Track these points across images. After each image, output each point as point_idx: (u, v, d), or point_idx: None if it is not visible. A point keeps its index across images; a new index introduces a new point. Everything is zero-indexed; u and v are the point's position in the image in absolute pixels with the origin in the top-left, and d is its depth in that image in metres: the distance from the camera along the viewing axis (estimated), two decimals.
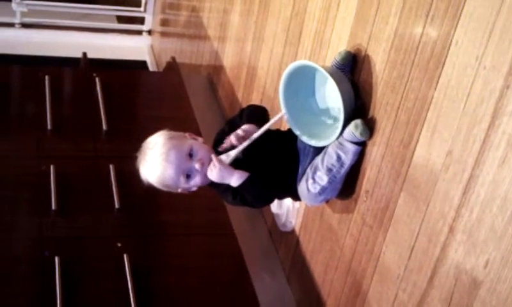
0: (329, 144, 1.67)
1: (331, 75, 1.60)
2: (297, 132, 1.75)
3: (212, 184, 1.73)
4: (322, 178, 1.67)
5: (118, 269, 1.96)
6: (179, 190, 1.74)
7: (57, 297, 1.83)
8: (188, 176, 1.70)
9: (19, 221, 2.11)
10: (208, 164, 1.69)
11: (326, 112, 1.78)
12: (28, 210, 2.16)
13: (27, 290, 1.90)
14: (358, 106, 1.65)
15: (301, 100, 1.78)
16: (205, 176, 1.71)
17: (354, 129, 1.60)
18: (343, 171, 1.66)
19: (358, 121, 1.61)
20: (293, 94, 1.76)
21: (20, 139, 2.44)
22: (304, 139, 1.72)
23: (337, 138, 1.64)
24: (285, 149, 1.78)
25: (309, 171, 1.70)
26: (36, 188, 2.21)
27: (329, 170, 1.65)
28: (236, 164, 1.71)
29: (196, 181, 1.71)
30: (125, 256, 1.98)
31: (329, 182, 1.67)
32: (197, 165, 1.69)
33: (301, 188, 1.72)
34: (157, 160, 1.68)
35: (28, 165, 2.31)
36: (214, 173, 1.68)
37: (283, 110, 1.75)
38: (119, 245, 2.05)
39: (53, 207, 2.12)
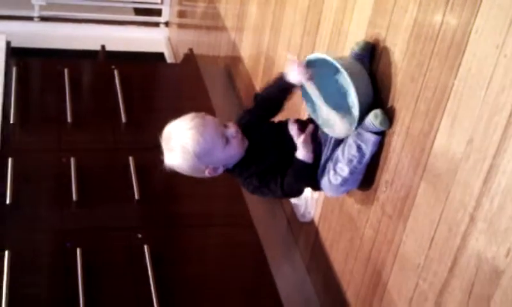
0: (349, 136, 1.66)
1: (346, 69, 1.59)
2: (318, 122, 1.75)
3: (235, 170, 1.72)
4: (344, 169, 1.66)
5: (139, 260, 1.97)
6: (207, 172, 1.67)
7: (79, 288, 1.85)
8: (227, 141, 1.65)
9: (41, 213, 2.13)
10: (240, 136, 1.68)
11: (346, 102, 1.78)
12: (49, 202, 2.18)
13: (50, 281, 1.93)
14: (377, 98, 1.65)
15: (322, 91, 1.78)
16: (240, 145, 1.68)
17: (374, 119, 1.60)
18: (364, 161, 1.66)
19: (377, 111, 1.60)
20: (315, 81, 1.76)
21: (41, 132, 2.46)
22: (326, 130, 1.72)
23: (356, 128, 1.64)
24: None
25: (330, 163, 1.70)
26: (57, 181, 2.23)
27: (350, 161, 1.65)
28: (257, 155, 1.72)
29: (233, 148, 1.66)
30: (145, 247, 1.99)
31: (351, 173, 1.66)
32: (233, 129, 1.66)
33: (323, 180, 1.72)
34: (192, 125, 1.62)
35: (49, 158, 2.33)
36: (308, 140, 1.69)
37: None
38: (139, 236, 2.07)
39: (74, 199, 2.13)
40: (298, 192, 1.80)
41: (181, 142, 1.63)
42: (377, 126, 1.60)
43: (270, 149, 1.74)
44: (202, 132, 1.62)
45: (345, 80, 1.61)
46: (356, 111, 1.61)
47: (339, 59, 1.65)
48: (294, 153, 1.72)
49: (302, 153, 1.69)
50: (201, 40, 3.65)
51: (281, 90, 1.77)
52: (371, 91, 1.65)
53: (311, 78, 1.69)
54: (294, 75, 1.70)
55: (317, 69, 1.71)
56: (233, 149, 1.68)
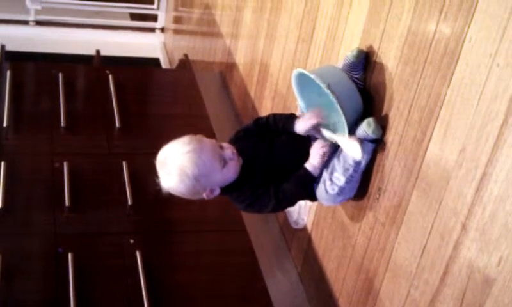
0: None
1: (329, 83, 1.59)
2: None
3: (227, 190, 1.72)
4: (340, 179, 1.66)
5: (131, 266, 1.97)
6: (204, 195, 1.67)
7: (70, 293, 1.84)
8: (224, 164, 1.65)
9: (33, 217, 2.12)
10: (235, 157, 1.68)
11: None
12: (42, 206, 2.17)
13: (41, 285, 1.92)
14: (370, 105, 1.65)
15: (313, 97, 1.79)
16: (237, 166, 1.68)
17: (367, 127, 1.60)
18: (359, 169, 1.66)
19: (370, 120, 1.61)
20: (308, 87, 1.77)
21: (34, 136, 2.46)
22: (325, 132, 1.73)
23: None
24: (300, 152, 1.77)
25: (325, 173, 1.70)
26: (50, 185, 2.22)
27: (346, 170, 1.65)
28: (250, 167, 1.71)
29: (231, 170, 1.67)
30: (137, 252, 1.99)
31: (347, 182, 1.66)
32: (230, 151, 1.67)
33: (319, 190, 1.71)
34: (190, 148, 1.61)
35: (41, 162, 2.32)
36: (326, 151, 1.70)
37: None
38: (131, 241, 2.06)
39: (66, 204, 2.13)
40: (291, 202, 1.78)
41: (179, 166, 1.61)
42: (370, 134, 1.61)
43: (262, 165, 1.73)
44: (200, 155, 1.61)
45: (328, 96, 1.61)
46: (344, 124, 1.61)
47: (321, 72, 1.66)
48: (284, 170, 1.73)
49: (314, 166, 1.70)
50: (196, 46, 3.66)
51: (285, 129, 1.79)
52: (360, 103, 1.65)
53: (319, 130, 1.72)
54: (303, 128, 1.72)
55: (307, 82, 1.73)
56: (231, 171, 1.68)
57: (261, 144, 1.78)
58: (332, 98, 1.58)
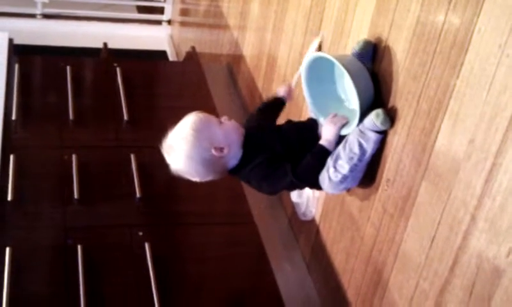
0: (350, 133, 1.67)
1: (346, 67, 1.60)
2: (320, 119, 1.77)
3: (236, 170, 1.73)
4: (344, 167, 1.66)
5: (140, 258, 1.98)
6: (213, 151, 1.67)
7: (79, 285, 1.85)
8: (221, 123, 1.72)
9: (42, 210, 2.13)
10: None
11: (348, 99, 1.79)
12: (51, 199, 2.18)
13: (51, 278, 1.93)
14: (379, 96, 1.65)
15: (324, 87, 1.79)
16: (236, 127, 1.74)
17: (375, 118, 1.60)
18: (364, 159, 1.65)
19: (379, 111, 1.60)
20: (316, 81, 1.78)
21: (43, 129, 2.46)
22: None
23: (357, 126, 1.65)
24: (306, 139, 1.77)
25: (330, 160, 1.70)
26: (59, 178, 2.23)
27: (351, 158, 1.65)
28: (256, 139, 1.75)
29: (229, 127, 1.72)
30: (146, 244, 2.00)
31: (351, 171, 1.66)
32: (224, 117, 1.75)
33: (322, 176, 1.71)
34: (185, 118, 1.71)
35: (50, 155, 2.33)
36: (338, 123, 1.72)
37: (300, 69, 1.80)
38: (140, 234, 2.07)
39: (75, 196, 2.14)
40: (308, 177, 1.73)
41: (179, 132, 1.70)
42: (378, 125, 1.60)
43: (276, 143, 1.76)
44: (194, 115, 1.71)
45: (347, 79, 1.62)
46: (357, 109, 1.61)
47: (340, 58, 1.66)
48: (294, 150, 1.75)
49: (329, 140, 1.72)
50: (203, 38, 3.65)
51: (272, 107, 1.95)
52: (371, 91, 1.65)
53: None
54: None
55: (320, 66, 1.73)
56: (230, 127, 1.73)
57: (264, 122, 1.87)
58: (351, 82, 1.58)
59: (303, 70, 1.77)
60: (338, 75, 1.79)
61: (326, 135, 1.73)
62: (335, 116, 1.75)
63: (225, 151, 1.69)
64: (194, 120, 1.70)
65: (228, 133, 1.71)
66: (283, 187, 1.74)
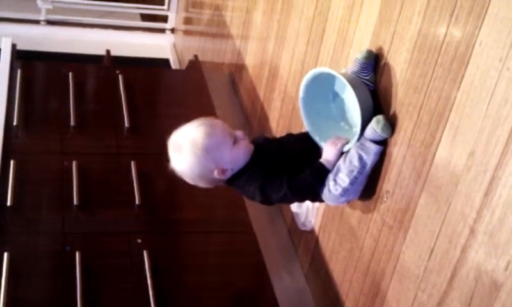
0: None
1: (350, 82, 1.60)
2: (315, 138, 1.78)
3: (233, 180, 1.73)
4: (344, 180, 1.66)
5: (138, 265, 1.97)
6: (215, 173, 1.67)
7: (77, 292, 1.85)
8: (235, 142, 1.69)
9: (41, 216, 2.13)
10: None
11: (345, 118, 1.79)
12: (50, 205, 2.18)
13: (48, 284, 1.92)
14: (380, 107, 1.65)
15: (318, 106, 1.79)
16: (247, 148, 1.72)
17: (376, 124, 1.59)
18: (365, 172, 1.65)
19: (379, 117, 1.60)
20: (312, 100, 1.78)
21: (44, 135, 2.47)
22: (323, 145, 1.74)
23: (358, 140, 1.64)
24: (307, 152, 1.77)
25: (330, 174, 1.70)
26: (59, 184, 2.23)
27: (351, 171, 1.65)
28: (261, 156, 1.73)
29: (241, 149, 1.70)
30: (144, 252, 1.99)
31: (351, 183, 1.66)
32: (241, 133, 1.72)
33: (323, 190, 1.71)
34: (202, 123, 1.68)
35: (51, 161, 2.33)
36: (339, 145, 1.71)
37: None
38: (139, 241, 2.06)
39: (75, 203, 2.13)
40: (303, 193, 1.75)
41: (191, 138, 1.66)
42: (378, 132, 1.60)
43: (273, 156, 1.76)
44: (212, 127, 1.67)
45: (351, 95, 1.61)
46: (358, 125, 1.61)
47: (341, 73, 1.67)
48: (295, 164, 1.74)
49: (328, 160, 1.70)
50: (206, 47, 3.66)
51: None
52: (371, 108, 1.66)
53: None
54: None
55: (318, 83, 1.74)
56: (241, 150, 1.70)
57: (271, 139, 1.86)
58: (354, 96, 1.58)
59: (301, 88, 1.77)
60: (334, 94, 1.79)
61: (327, 155, 1.72)
62: (338, 138, 1.74)
63: (228, 173, 1.70)
64: (209, 134, 1.65)
65: (237, 158, 1.70)
66: (277, 198, 1.72)
